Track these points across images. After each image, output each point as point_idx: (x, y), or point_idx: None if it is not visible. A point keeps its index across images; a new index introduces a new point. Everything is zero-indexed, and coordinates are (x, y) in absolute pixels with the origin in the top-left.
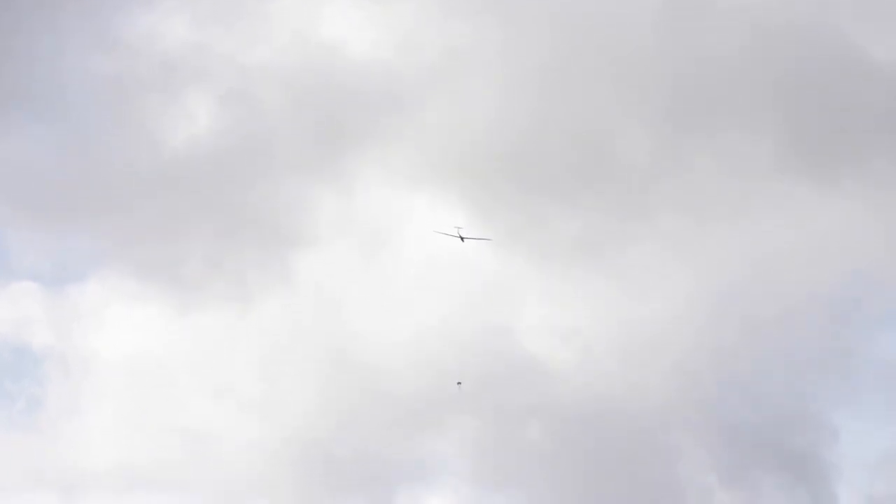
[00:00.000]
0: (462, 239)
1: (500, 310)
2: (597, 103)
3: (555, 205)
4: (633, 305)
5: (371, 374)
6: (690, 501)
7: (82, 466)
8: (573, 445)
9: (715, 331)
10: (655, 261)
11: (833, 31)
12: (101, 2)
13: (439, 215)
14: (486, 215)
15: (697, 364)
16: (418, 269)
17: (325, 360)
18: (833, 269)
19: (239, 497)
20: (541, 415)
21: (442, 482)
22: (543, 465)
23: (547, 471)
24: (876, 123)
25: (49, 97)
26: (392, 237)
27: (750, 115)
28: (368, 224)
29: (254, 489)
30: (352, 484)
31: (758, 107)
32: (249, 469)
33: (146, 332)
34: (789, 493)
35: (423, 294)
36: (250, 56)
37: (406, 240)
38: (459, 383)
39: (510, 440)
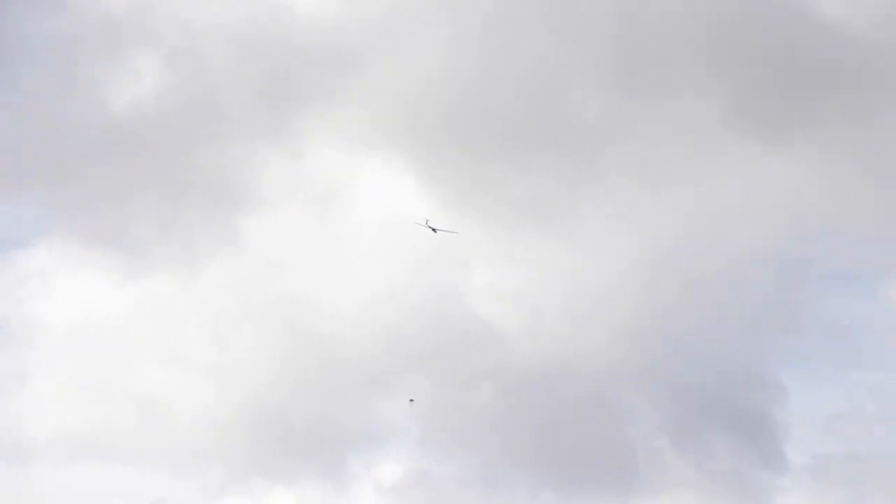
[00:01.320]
0: (434, 230)
1: (450, 273)
2: (546, 65)
3: (503, 167)
4: (582, 267)
5: (322, 339)
6: (641, 462)
7: (30, 435)
8: (524, 408)
9: (664, 291)
10: (605, 222)
11: None
12: None
13: (388, 178)
14: (435, 178)
15: (648, 325)
16: (368, 233)
17: (275, 325)
18: (783, 228)
19: (191, 464)
20: (492, 378)
21: (395, 447)
22: (495, 428)
23: (499, 433)
24: (824, 82)
25: None
26: (341, 200)
27: (699, 76)
28: (317, 186)
29: (206, 456)
30: (305, 449)
31: (707, 68)
32: (201, 435)
33: (94, 298)
34: (738, 452)
35: (373, 258)
36: (196, 15)
37: (355, 202)
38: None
39: (461, 404)
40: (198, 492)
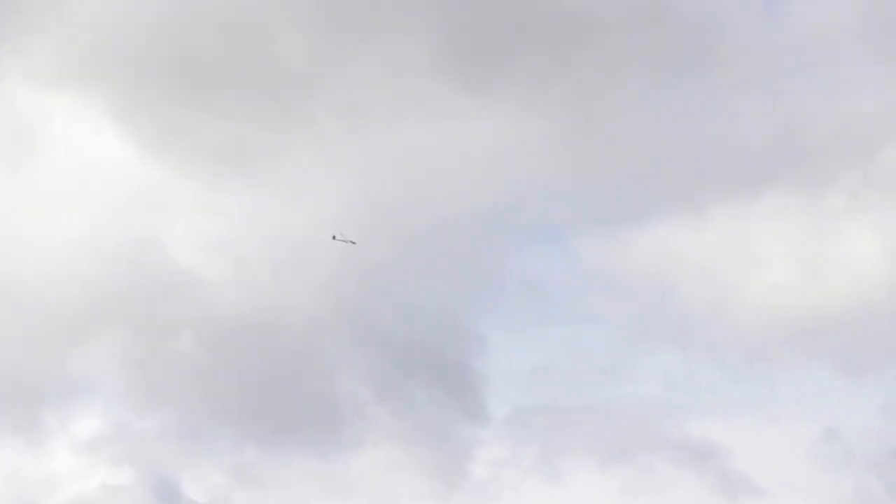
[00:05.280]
0: (353, 242)
1: (149, 220)
2: (249, 3)
3: (204, 110)
4: (286, 216)
5: (13, 286)
6: (345, 414)
7: None
8: (227, 360)
9: (369, 242)
10: (310, 169)
11: None
12: None
13: (84, 118)
14: (133, 120)
15: (351, 277)
16: (63, 176)
17: None
18: (487, 179)
19: None
20: (193, 329)
21: (91, 400)
22: (196, 381)
23: (200, 386)
24: (535, 31)
25: None
26: (35, 140)
27: (407, 18)
28: (9, 125)
29: None
30: None
31: (415, 10)
32: None
33: None
34: (440, 404)
35: (67, 201)
36: None
37: (50, 143)
38: None
39: (161, 356)
40: None
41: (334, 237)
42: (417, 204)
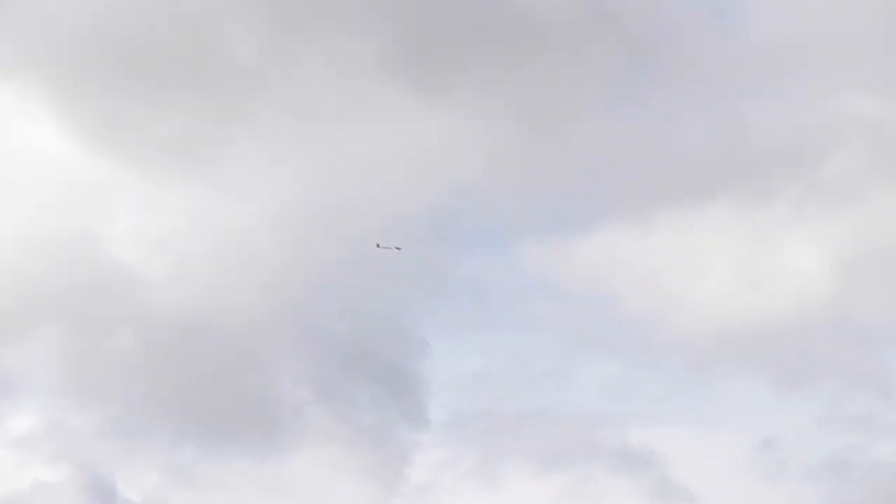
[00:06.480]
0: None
1: (88, 215)
2: None
3: (148, 104)
4: (230, 214)
5: None
6: (284, 416)
7: None
8: (167, 358)
9: (314, 243)
10: (256, 167)
11: None
12: None
13: (24, 109)
14: (74, 113)
15: (294, 277)
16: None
17: None
18: (432, 182)
19: None
20: (132, 327)
21: (27, 398)
22: (135, 379)
23: (139, 384)
24: (486, 34)
25: None
26: None
27: (358, 14)
28: None
29: None
30: None
31: (363, 8)
32: None
33: None
34: (381, 407)
35: (5, 195)
36: None
37: None
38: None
39: (100, 353)
40: None
41: (378, 245)
42: (362, 205)
